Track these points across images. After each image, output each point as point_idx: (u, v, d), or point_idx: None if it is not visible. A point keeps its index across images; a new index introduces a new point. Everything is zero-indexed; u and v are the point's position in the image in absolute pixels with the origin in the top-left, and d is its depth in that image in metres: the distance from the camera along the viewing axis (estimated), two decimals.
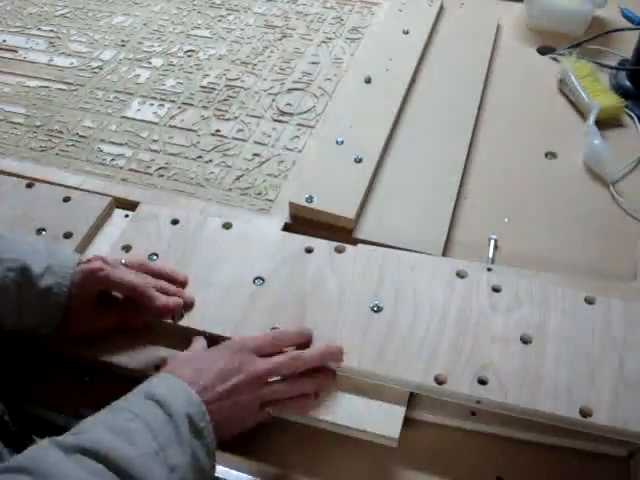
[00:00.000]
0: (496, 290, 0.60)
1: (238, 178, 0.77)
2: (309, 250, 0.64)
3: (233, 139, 0.83)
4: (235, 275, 0.62)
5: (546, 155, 0.79)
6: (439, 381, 0.54)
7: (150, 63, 0.95)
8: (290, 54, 0.95)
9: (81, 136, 0.84)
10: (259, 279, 0.62)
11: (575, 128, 0.82)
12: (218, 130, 0.84)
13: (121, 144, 0.83)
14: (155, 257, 0.64)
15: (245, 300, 0.60)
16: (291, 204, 0.71)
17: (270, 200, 0.74)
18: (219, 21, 1.03)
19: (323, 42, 0.98)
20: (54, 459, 0.41)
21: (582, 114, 0.83)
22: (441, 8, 1.00)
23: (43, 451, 0.41)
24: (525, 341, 0.56)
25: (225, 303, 0.60)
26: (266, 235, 0.66)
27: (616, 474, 0.53)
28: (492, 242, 0.68)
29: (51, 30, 1.02)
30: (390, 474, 0.53)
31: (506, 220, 0.71)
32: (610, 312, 0.58)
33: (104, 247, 0.67)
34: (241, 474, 0.53)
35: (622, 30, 0.95)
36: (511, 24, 0.99)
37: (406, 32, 0.94)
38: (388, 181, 0.75)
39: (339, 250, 0.64)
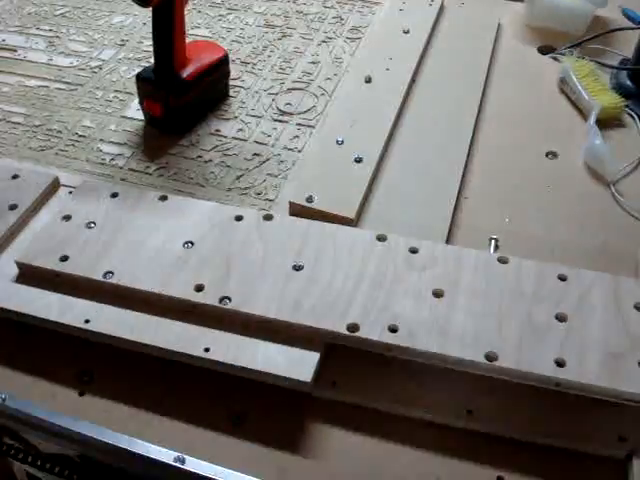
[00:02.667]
0: (413, 252, 0.62)
1: (238, 178, 0.77)
2: (239, 218, 0.66)
3: (233, 139, 0.82)
4: (167, 240, 0.65)
5: (547, 155, 0.79)
6: (351, 329, 0.56)
7: (150, 62, 0.94)
8: (290, 53, 0.95)
9: (80, 136, 0.84)
10: (188, 243, 0.64)
11: (576, 128, 0.82)
12: (218, 130, 0.84)
13: (121, 144, 0.82)
14: (93, 225, 0.66)
15: (173, 260, 0.63)
16: (291, 204, 0.71)
17: (270, 200, 0.74)
18: (219, 20, 1.03)
19: (323, 41, 0.97)
20: None
21: (583, 114, 0.83)
22: (441, 7, 1.00)
23: None
24: (437, 295, 0.58)
25: (154, 263, 0.62)
26: (200, 206, 0.69)
27: (615, 476, 0.53)
28: (492, 242, 0.68)
29: (50, 29, 1.02)
30: (390, 474, 0.53)
31: (506, 220, 0.71)
32: (521, 270, 0.60)
33: (45, 218, 0.70)
34: (242, 475, 0.53)
35: (623, 29, 0.95)
36: (512, 23, 0.99)
37: (406, 31, 0.94)
38: (388, 181, 0.74)
39: (267, 218, 0.66)
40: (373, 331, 0.56)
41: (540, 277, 0.60)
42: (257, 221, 0.66)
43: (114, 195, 0.70)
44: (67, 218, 0.67)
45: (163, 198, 0.69)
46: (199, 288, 0.60)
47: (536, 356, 0.54)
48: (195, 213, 0.67)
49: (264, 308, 0.58)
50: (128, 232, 0.66)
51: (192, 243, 0.64)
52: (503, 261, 0.61)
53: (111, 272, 0.62)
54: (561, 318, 0.56)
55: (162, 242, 0.64)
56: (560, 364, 0.53)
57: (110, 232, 0.66)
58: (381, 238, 0.63)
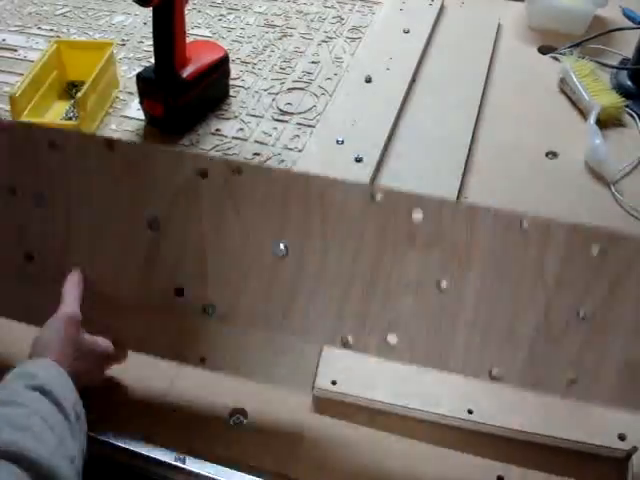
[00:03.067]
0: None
1: None
2: (203, 175, 0.52)
3: (233, 138, 0.82)
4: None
5: (547, 155, 0.79)
6: (345, 345, 0.52)
7: (150, 62, 0.94)
8: (290, 53, 0.95)
9: None
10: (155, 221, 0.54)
11: (576, 128, 0.82)
12: (218, 129, 0.84)
13: None
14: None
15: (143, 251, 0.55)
16: None
17: None
18: (219, 20, 1.03)
19: (323, 41, 0.97)
20: None
21: (583, 114, 0.83)
22: (442, 7, 1.00)
23: None
24: (440, 288, 0.49)
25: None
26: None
27: (615, 475, 0.53)
28: None
29: (51, 29, 1.02)
30: (390, 474, 0.53)
31: None
32: (547, 241, 0.48)
33: None
34: (242, 475, 0.53)
35: (623, 29, 0.95)
36: (512, 23, 0.99)
37: (407, 31, 0.94)
38: (388, 180, 0.74)
39: (237, 171, 0.52)
40: (369, 345, 0.52)
41: (568, 252, 0.48)
42: (224, 178, 0.52)
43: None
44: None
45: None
46: (179, 292, 0.55)
47: (545, 371, 0.49)
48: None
49: (251, 320, 0.54)
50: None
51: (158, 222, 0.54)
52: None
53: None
54: (583, 316, 0.48)
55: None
56: (572, 381, 0.49)
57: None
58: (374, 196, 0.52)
